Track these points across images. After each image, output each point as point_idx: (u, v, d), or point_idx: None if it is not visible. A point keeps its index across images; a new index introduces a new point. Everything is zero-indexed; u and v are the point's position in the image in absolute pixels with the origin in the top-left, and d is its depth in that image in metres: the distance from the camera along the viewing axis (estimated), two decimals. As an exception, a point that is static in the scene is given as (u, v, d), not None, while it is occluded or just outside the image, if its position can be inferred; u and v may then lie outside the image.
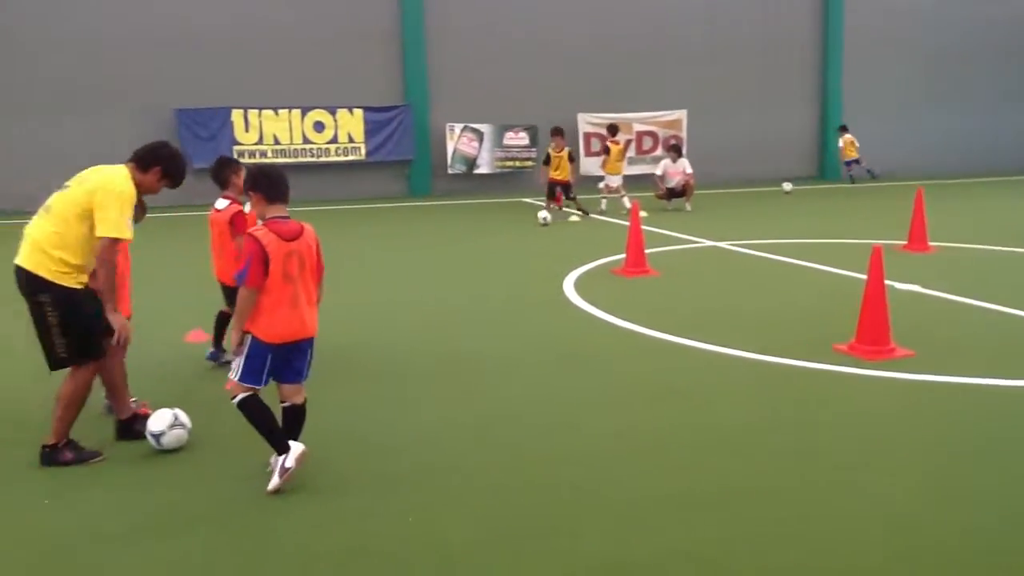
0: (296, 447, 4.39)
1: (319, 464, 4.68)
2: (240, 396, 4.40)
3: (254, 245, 4.30)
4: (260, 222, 4.46)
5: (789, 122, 24.62)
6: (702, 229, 14.31)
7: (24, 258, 4.71)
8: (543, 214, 15.51)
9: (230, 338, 4.62)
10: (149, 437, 4.92)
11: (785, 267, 10.93)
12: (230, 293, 6.15)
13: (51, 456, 4.76)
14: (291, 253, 4.37)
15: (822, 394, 5.89)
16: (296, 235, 4.41)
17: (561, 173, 16.21)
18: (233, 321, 4.49)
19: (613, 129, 17.87)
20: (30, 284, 4.68)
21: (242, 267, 4.34)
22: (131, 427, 5.11)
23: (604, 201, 17.28)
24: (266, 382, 4.44)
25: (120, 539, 3.94)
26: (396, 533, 3.96)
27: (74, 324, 4.72)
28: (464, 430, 5.31)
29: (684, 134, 23.13)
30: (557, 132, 16.42)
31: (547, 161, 16.45)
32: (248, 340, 4.37)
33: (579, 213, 16.25)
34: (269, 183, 4.48)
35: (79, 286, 4.74)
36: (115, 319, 4.80)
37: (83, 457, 4.79)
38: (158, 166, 4.94)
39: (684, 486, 4.44)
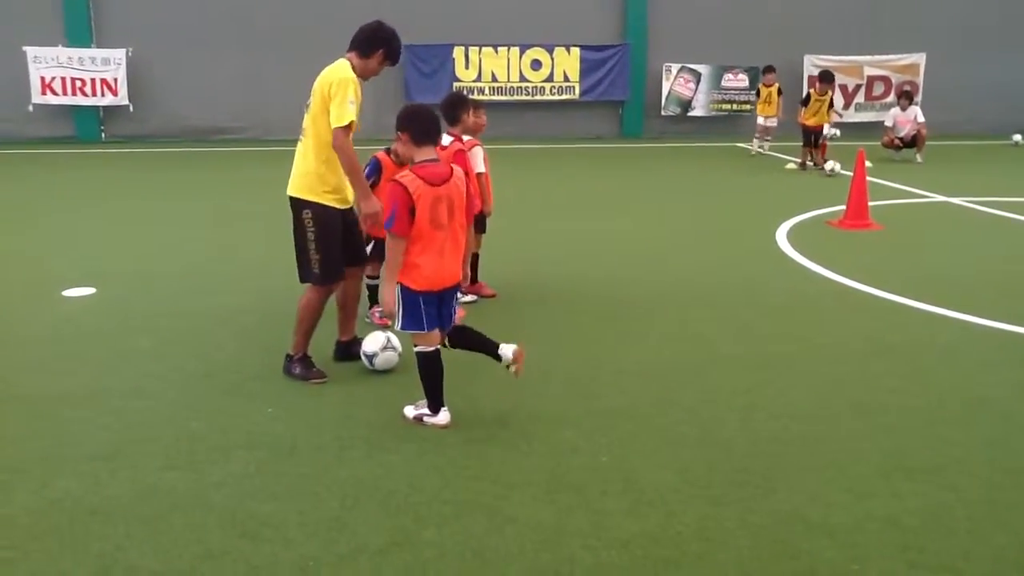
0: (444, 417, 4.45)
1: (526, 397, 4.84)
2: (419, 347, 4.45)
3: (400, 192, 4.19)
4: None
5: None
6: (933, 183, 13.34)
7: (290, 187, 5.09)
8: (830, 164, 14.55)
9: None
10: (363, 358, 5.22)
11: (1026, 227, 10.04)
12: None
13: (286, 365, 5.17)
14: (440, 198, 4.23)
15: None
16: (444, 179, 4.28)
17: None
18: (384, 272, 4.42)
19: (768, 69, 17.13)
20: (294, 206, 5.05)
21: (388, 215, 4.26)
22: (349, 348, 5.43)
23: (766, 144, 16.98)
24: (431, 326, 4.40)
25: (333, 449, 4.23)
26: (591, 470, 4.02)
27: (328, 241, 5.03)
28: (668, 373, 5.30)
29: (920, 80, 21.49)
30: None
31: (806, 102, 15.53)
32: (399, 290, 4.33)
33: (796, 162, 15.57)
34: (417, 125, 4.36)
35: (337, 204, 5.05)
36: (366, 204, 5.03)
37: (307, 375, 5.12)
38: (381, 48, 5.06)
39: (892, 451, 4.23)
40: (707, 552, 3.37)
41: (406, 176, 4.27)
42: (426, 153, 4.35)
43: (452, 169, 4.38)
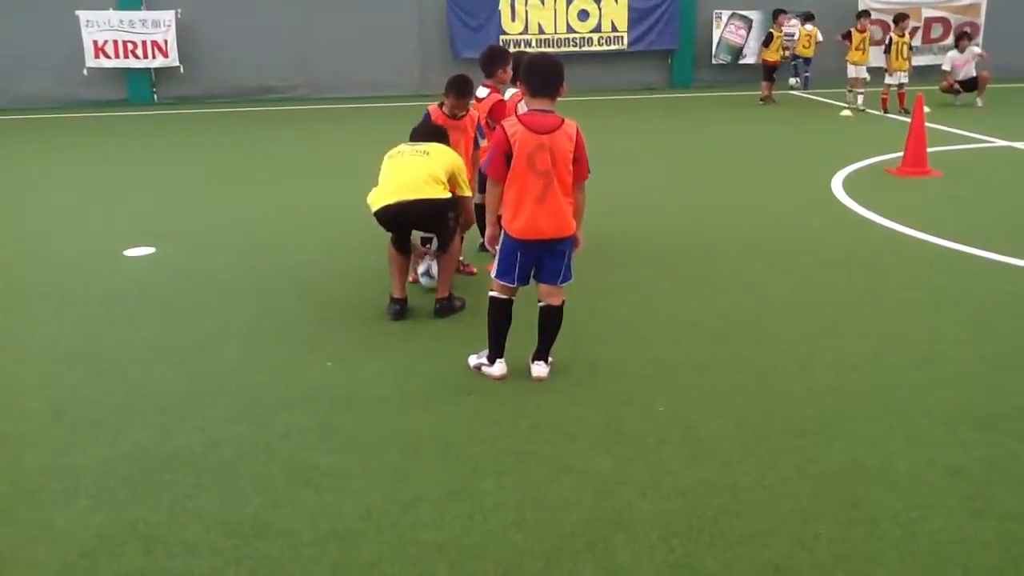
0: (499, 368, 4.50)
1: (583, 347, 4.85)
2: (492, 292, 4.49)
3: (500, 135, 4.28)
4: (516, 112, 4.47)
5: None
6: (995, 127, 12.96)
7: (426, 191, 5.26)
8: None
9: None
10: (420, 278, 5.87)
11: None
12: (481, 181, 6.34)
13: (447, 306, 5.49)
14: (541, 147, 4.19)
15: None
16: (549, 129, 4.21)
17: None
18: (487, 215, 4.52)
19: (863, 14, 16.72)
20: (442, 209, 5.35)
21: (487, 157, 4.37)
22: (451, 305, 5.54)
23: (860, 96, 15.84)
24: (521, 281, 4.41)
25: (392, 402, 4.30)
26: (648, 420, 4.04)
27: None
28: (723, 323, 5.27)
29: (982, 21, 20.78)
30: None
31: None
32: (502, 235, 4.39)
33: (850, 108, 15.21)
34: (533, 76, 4.33)
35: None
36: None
37: (460, 305, 5.55)
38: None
39: (955, 401, 4.18)
40: (766, 500, 3.37)
41: (509, 121, 4.35)
42: (539, 103, 4.30)
43: (562, 122, 4.28)
